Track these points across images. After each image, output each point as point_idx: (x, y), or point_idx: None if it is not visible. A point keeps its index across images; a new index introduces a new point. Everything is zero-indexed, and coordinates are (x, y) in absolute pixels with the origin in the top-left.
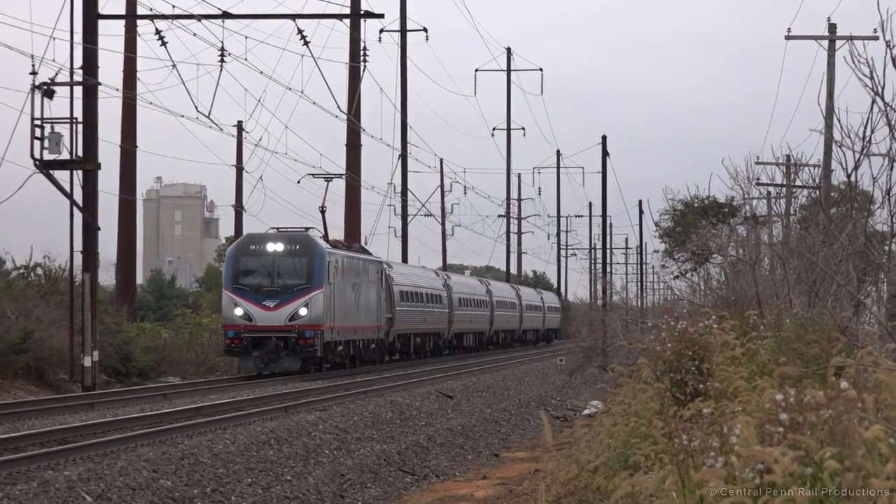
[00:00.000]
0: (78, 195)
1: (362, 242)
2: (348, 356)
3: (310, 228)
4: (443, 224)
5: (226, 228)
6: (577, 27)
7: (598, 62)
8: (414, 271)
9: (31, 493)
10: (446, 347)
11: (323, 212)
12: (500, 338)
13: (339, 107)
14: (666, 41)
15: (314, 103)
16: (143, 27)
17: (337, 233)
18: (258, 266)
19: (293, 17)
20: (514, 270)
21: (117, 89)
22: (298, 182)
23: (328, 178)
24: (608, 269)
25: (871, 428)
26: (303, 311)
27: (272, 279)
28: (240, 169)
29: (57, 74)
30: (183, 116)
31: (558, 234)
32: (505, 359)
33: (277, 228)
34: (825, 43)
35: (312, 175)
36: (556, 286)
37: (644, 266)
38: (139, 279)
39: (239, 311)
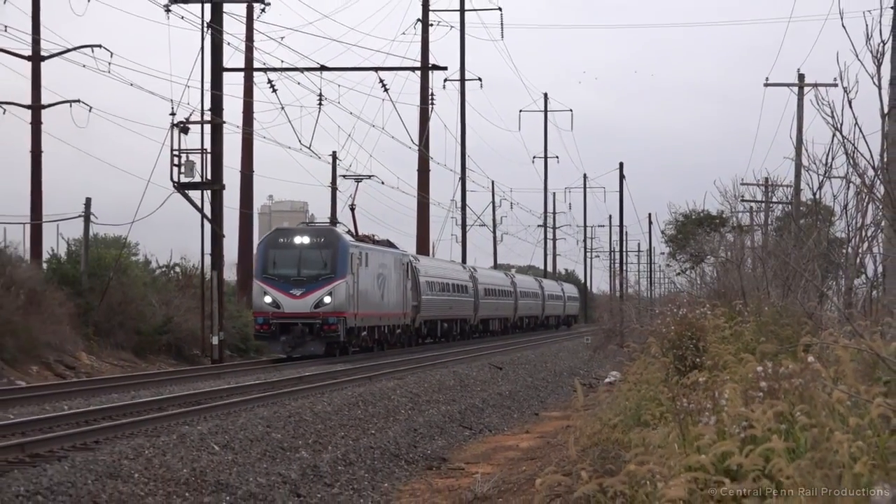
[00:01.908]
0: (207, 210)
1: (430, 249)
2: (374, 341)
3: (337, 223)
4: (494, 232)
5: None
6: (598, 76)
7: (615, 104)
8: (440, 264)
9: (171, 443)
10: (474, 332)
11: (353, 209)
12: (525, 323)
13: (412, 140)
14: (668, 88)
15: (392, 137)
16: (258, 77)
17: (409, 241)
18: (286, 257)
19: (376, 69)
20: (550, 269)
21: (238, 127)
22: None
23: (358, 179)
24: (624, 268)
25: (834, 392)
26: (327, 299)
27: (299, 269)
28: (334, 189)
29: (191, 115)
30: (290, 148)
31: (585, 240)
32: (531, 340)
33: (307, 223)
34: (795, 89)
35: (343, 176)
36: (582, 281)
37: (652, 265)
38: None
39: (268, 299)
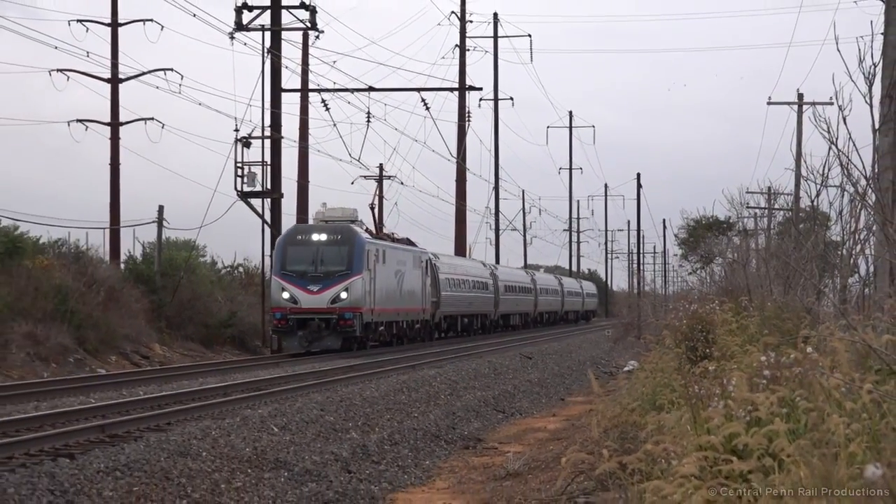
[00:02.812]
0: (268, 216)
1: (467, 252)
2: (391, 335)
3: (355, 221)
4: (524, 236)
5: None
6: (617, 96)
7: (632, 121)
8: (461, 262)
9: (235, 424)
10: (494, 326)
11: (373, 208)
12: (545, 317)
13: (450, 153)
14: (679, 106)
15: (433, 151)
16: (313, 97)
17: (448, 243)
18: (304, 254)
19: (418, 90)
20: (574, 269)
21: (295, 141)
22: (352, 183)
23: (378, 180)
24: (641, 268)
25: (831, 380)
26: (343, 295)
27: (316, 266)
28: (381, 197)
29: (253, 131)
30: (341, 160)
31: (606, 243)
32: (554, 333)
33: (326, 220)
34: (795, 107)
35: (364, 177)
36: (604, 280)
37: (667, 265)
38: None
39: (286, 295)
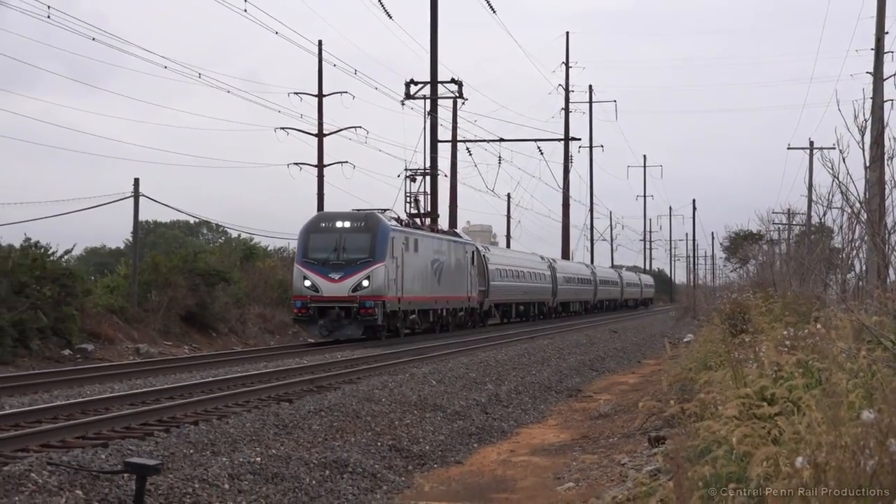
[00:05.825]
0: None
1: (570, 256)
2: (429, 322)
3: (386, 210)
4: (611, 244)
5: None
6: (678, 141)
7: (689, 160)
8: (513, 254)
9: (405, 379)
10: (554, 313)
11: (417, 201)
12: (604, 305)
13: (557, 185)
14: (723, 150)
15: (546, 184)
16: (460, 146)
17: (548, 247)
18: (326, 242)
19: (535, 140)
20: (647, 268)
21: (447, 176)
22: (399, 176)
23: (423, 174)
24: (695, 267)
25: (835, 347)
26: (365, 283)
27: (338, 254)
28: (509, 217)
29: (417, 170)
30: (480, 190)
31: (671, 250)
32: (609, 318)
33: (358, 209)
34: (808, 151)
35: (406, 169)
36: (669, 276)
37: (714, 265)
38: None
39: (307, 283)
